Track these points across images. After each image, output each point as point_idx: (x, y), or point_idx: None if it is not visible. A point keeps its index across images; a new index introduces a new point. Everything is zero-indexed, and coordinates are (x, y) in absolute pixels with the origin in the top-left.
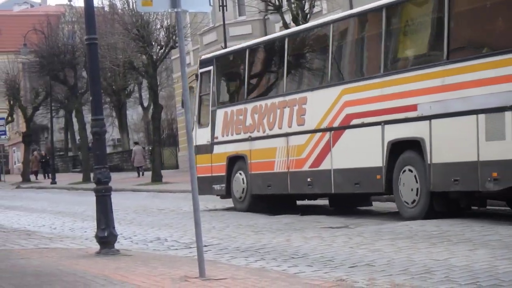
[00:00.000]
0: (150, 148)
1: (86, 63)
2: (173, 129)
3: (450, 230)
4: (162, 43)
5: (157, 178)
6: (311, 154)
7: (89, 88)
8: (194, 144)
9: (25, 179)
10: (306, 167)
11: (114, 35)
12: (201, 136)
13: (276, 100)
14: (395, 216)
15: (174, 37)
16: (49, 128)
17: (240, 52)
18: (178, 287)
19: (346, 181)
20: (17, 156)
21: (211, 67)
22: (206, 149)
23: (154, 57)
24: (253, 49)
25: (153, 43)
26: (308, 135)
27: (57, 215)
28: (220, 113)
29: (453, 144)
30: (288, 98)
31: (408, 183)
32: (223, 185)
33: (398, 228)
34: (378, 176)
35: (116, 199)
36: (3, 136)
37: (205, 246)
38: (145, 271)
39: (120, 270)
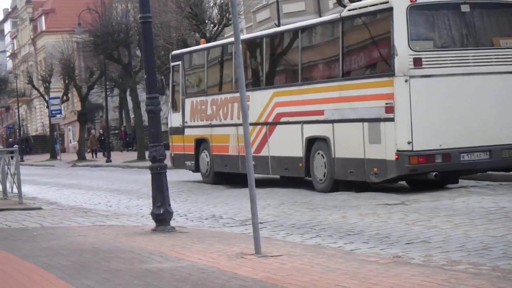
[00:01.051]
0: None
1: (140, 42)
2: None
3: (508, 206)
4: (215, 21)
5: None
6: (254, 142)
7: (144, 67)
8: (170, 126)
9: (81, 157)
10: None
11: (167, 14)
12: (175, 119)
13: (228, 95)
14: (452, 192)
15: (227, 15)
16: (103, 107)
17: (201, 51)
18: (234, 264)
19: (279, 166)
20: (72, 134)
21: (179, 62)
22: (178, 130)
23: (207, 35)
24: (211, 49)
25: (206, 21)
26: (251, 127)
27: (113, 193)
28: (188, 101)
29: (349, 144)
30: (236, 95)
31: (319, 168)
32: (193, 162)
33: (455, 204)
34: (300, 164)
35: (171, 177)
36: (58, 115)
37: (261, 223)
38: (201, 248)
39: (176, 247)
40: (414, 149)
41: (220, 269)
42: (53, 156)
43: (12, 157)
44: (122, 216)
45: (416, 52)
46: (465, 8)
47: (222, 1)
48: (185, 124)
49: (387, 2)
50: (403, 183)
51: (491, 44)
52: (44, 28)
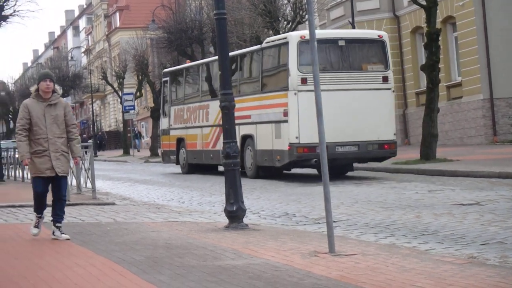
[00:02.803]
0: None
1: (213, 39)
2: None
3: None
4: (289, 18)
5: None
6: (212, 139)
7: (218, 63)
8: (160, 128)
9: (154, 153)
10: (210, 148)
11: (241, 11)
12: (164, 123)
13: (197, 104)
14: None
15: (301, 12)
16: None
17: (181, 70)
18: (308, 262)
19: None
20: (145, 130)
21: (168, 78)
22: (166, 132)
23: (281, 32)
24: (188, 68)
25: (280, 18)
26: (210, 128)
27: (185, 189)
28: (172, 109)
29: (264, 139)
30: (202, 104)
31: (248, 158)
32: (174, 156)
33: None
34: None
35: (243, 174)
36: (132, 111)
37: (334, 221)
38: (274, 246)
39: (249, 244)
40: (301, 142)
41: (294, 267)
42: (126, 152)
43: (86, 152)
44: (195, 213)
45: (303, 74)
46: (341, 43)
47: None
48: (170, 127)
49: (286, 38)
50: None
51: (360, 68)
52: (118, 24)
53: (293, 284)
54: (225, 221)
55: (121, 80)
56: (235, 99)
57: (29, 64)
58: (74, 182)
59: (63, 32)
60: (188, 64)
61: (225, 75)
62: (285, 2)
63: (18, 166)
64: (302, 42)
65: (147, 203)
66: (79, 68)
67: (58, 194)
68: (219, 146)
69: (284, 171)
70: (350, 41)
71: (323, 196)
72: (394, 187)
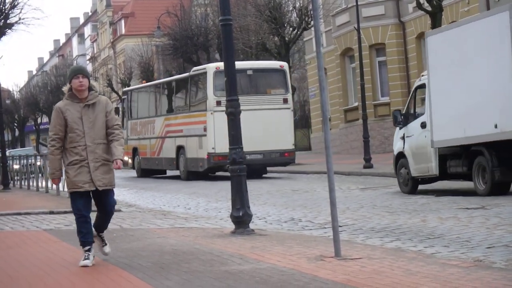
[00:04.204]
0: None
1: (219, 45)
2: (306, 110)
3: None
4: (295, 25)
5: None
6: (157, 149)
7: (224, 69)
8: None
9: None
10: (155, 155)
11: (247, 17)
12: (124, 134)
13: (146, 119)
14: None
15: (306, 19)
16: None
17: (136, 90)
18: (314, 266)
19: (167, 163)
20: None
21: (126, 96)
22: (125, 142)
23: (287, 38)
24: (140, 89)
25: (286, 25)
26: (156, 139)
27: (191, 195)
28: (129, 122)
29: (192, 149)
30: (150, 119)
31: (181, 164)
32: (132, 162)
33: None
34: (174, 162)
35: (249, 180)
36: None
37: (340, 226)
38: (281, 251)
39: (256, 249)
40: (216, 152)
41: (300, 271)
42: None
43: None
44: (201, 219)
45: (218, 97)
46: (249, 72)
47: (301, 5)
48: (128, 137)
49: (204, 68)
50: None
51: (265, 92)
52: (123, 31)
53: None
54: (232, 226)
55: (126, 87)
56: (172, 116)
57: (34, 72)
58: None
59: (68, 39)
60: (142, 84)
61: (231, 82)
62: (291, 8)
63: (24, 174)
64: (217, 72)
65: (153, 210)
66: None
67: (102, 210)
68: (163, 154)
69: (210, 174)
70: (256, 71)
71: (329, 201)
72: (398, 192)
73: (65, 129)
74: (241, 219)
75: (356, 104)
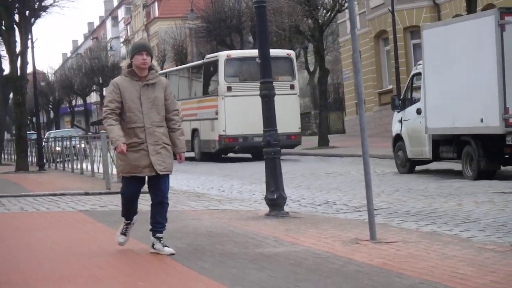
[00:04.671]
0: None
1: (252, 28)
2: (340, 93)
3: None
4: (328, 7)
5: (324, 143)
6: None
7: (258, 52)
8: None
9: None
10: None
11: (280, 0)
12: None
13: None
14: None
15: (340, 1)
16: None
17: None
18: (349, 249)
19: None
20: None
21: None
22: None
23: (320, 21)
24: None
25: (319, 7)
26: None
27: (225, 177)
28: None
29: (205, 132)
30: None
31: (196, 146)
32: None
33: None
34: (190, 144)
35: (284, 163)
36: None
37: (375, 209)
38: (315, 233)
39: (290, 231)
40: (227, 134)
41: (335, 254)
42: None
43: None
44: (235, 201)
45: (228, 83)
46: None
47: None
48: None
49: (216, 56)
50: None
51: (274, 79)
52: (157, 14)
53: (334, 271)
54: (266, 209)
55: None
56: (188, 100)
57: (69, 55)
58: (115, 171)
59: (102, 22)
60: (162, 71)
61: (265, 64)
62: None
63: (67, 156)
64: (228, 60)
65: (187, 192)
66: (118, 58)
67: (158, 196)
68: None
69: (222, 156)
70: None
71: (364, 184)
72: (433, 175)
73: (122, 106)
74: (276, 201)
75: (390, 87)
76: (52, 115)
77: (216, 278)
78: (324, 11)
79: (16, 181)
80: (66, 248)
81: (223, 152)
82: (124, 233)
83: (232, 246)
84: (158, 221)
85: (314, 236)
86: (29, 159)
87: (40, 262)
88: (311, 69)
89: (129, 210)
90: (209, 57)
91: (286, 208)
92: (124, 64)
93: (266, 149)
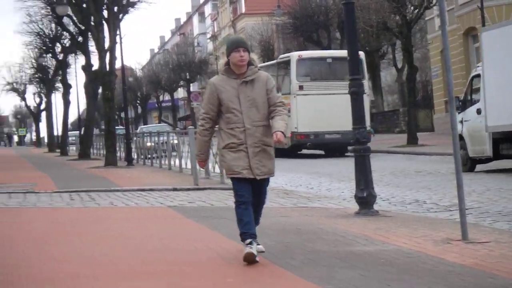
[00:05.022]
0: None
1: (339, 24)
2: (428, 91)
3: None
4: (416, 3)
5: (412, 140)
6: None
7: (347, 48)
8: None
9: None
10: None
11: None
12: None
13: None
14: None
15: None
16: None
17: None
18: (440, 249)
19: None
20: None
21: None
22: None
23: (408, 17)
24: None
25: (407, 3)
26: None
27: (313, 175)
28: None
29: None
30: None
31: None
32: None
33: None
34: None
35: (372, 161)
36: None
37: (466, 209)
38: (406, 232)
39: (380, 230)
40: (299, 131)
41: (427, 254)
42: None
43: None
44: (324, 199)
45: (300, 82)
46: (329, 60)
47: None
48: None
49: (289, 56)
50: None
51: (342, 79)
52: (244, 10)
53: (426, 271)
54: (355, 207)
55: None
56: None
57: (156, 50)
58: (217, 169)
59: (189, 18)
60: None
61: (354, 61)
62: None
63: (151, 151)
64: (300, 60)
65: (276, 189)
66: (205, 54)
67: (255, 200)
68: None
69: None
70: (335, 59)
71: (455, 184)
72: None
73: (219, 108)
74: (365, 199)
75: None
76: (139, 110)
77: (306, 277)
78: (412, 8)
79: (105, 175)
80: (155, 244)
81: (295, 148)
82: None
83: (321, 244)
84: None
85: (404, 235)
86: (118, 154)
87: (129, 257)
88: (399, 66)
89: (244, 217)
90: (282, 57)
91: (376, 207)
92: (221, 62)
93: (356, 147)
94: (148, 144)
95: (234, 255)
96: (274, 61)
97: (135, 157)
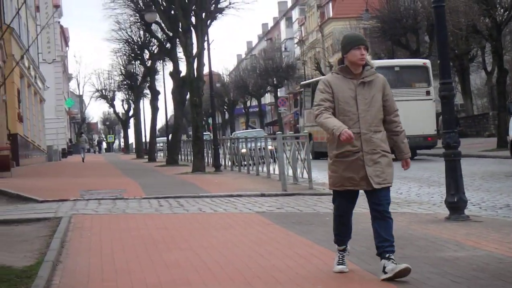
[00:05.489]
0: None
1: (428, 28)
2: None
3: None
4: (506, 5)
5: (503, 144)
6: (324, 134)
7: (438, 52)
8: (299, 125)
9: None
10: (324, 140)
11: None
12: (301, 122)
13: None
14: None
15: None
16: None
17: (309, 84)
18: None
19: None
20: None
21: (303, 89)
22: (302, 128)
23: (498, 20)
24: (311, 84)
25: (497, 6)
26: None
27: (403, 180)
28: (305, 112)
29: None
30: None
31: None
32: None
33: None
34: None
35: (462, 165)
36: None
37: None
38: (497, 238)
39: (471, 236)
40: None
41: None
42: None
43: (302, 143)
44: (413, 204)
45: None
46: (397, 68)
47: None
48: (304, 125)
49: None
50: None
51: (410, 86)
52: (331, 14)
53: None
54: (445, 212)
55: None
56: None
57: (243, 56)
58: (291, 172)
59: (276, 23)
60: (312, 80)
61: (445, 64)
62: None
63: (242, 158)
64: None
65: (364, 194)
66: (292, 59)
67: (379, 212)
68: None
69: None
70: (402, 67)
71: None
72: None
73: (334, 108)
74: (456, 204)
75: None
76: (226, 116)
77: (397, 283)
78: (502, 10)
79: (193, 181)
80: (244, 250)
81: None
82: (340, 262)
83: (412, 250)
84: (384, 239)
85: (496, 240)
86: (205, 160)
87: (218, 263)
88: (489, 69)
89: (341, 227)
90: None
91: (466, 212)
92: (334, 60)
93: (446, 151)
94: (243, 150)
95: (323, 261)
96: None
97: (229, 163)
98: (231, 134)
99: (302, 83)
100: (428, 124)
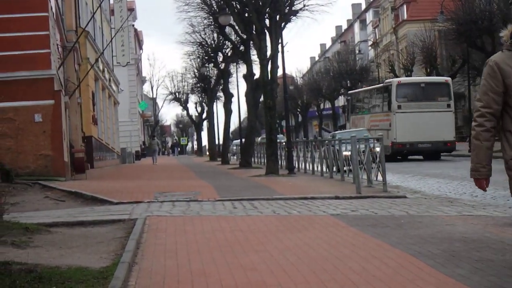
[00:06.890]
0: None
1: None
2: None
3: None
4: None
5: None
6: None
7: None
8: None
9: None
10: None
11: None
12: (347, 126)
13: (361, 116)
14: None
15: None
16: (465, 96)
17: (353, 94)
18: None
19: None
20: None
21: (349, 97)
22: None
23: None
24: (356, 93)
25: None
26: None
27: None
28: (351, 117)
29: (384, 139)
30: (362, 115)
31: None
32: None
33: None
34: None
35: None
36: None
37: None
38: None
39: None
40: (397, 141)
41: None
42: None
43: (375, 145)
44: (489, 207)
45: (399, 103)
46: (422, 85)
47: None
48: (349, 129)
49: (391, 82)
50: None
51: (433, 99)
52: (405, 17)
53: None
54: None
55: (409, 73)
56: (373, 114)
57: (316, 58)
58: (365, 175)
59: (350, 25)
60: (358, 90)
61: None
62: None
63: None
64: (399, 84)
65: (439, 197)
66: (366, 62)
67: None
68: None
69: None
70: (427, 84)
71: None
72: None
73: (505, 99)
74: None
75: None
76: (300, 118)
77: (474, 286)
78: None
79: (267, 184)
80: (319, 252)
81: (394, 155)
82: None
83: (489, 253)
84: None
85: None
86: (279, 163)
87: (294, 265)
88: None
89: None
90: (386, 82)
91: None
92: (505, 34)
93: None
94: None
95: (399, 264)
96: (380, 85)
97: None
98: (304, 137)
99: (349, 92)
100: (447, 132)
